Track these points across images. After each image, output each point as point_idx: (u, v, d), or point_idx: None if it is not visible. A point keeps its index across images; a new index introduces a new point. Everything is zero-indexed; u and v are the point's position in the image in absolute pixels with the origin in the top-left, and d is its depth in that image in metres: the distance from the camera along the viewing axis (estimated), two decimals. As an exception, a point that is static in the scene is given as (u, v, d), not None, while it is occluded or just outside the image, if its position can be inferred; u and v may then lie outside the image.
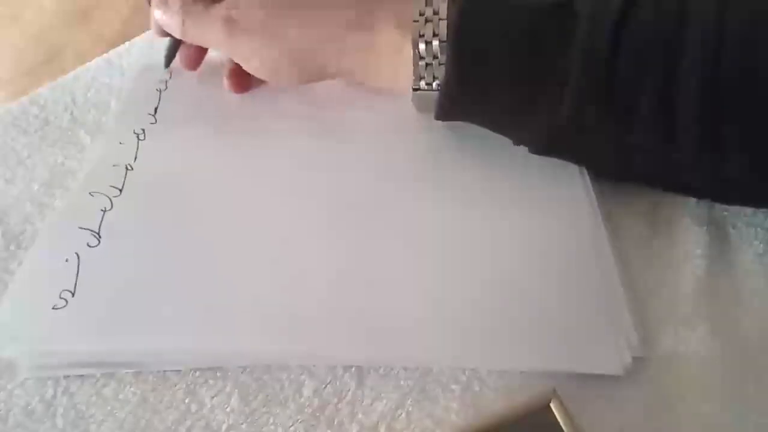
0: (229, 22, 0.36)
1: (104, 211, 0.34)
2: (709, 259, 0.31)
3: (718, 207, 0.34)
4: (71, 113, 0.41)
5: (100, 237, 0.33)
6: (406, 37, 0.33)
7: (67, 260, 0.31)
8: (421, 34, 0.32)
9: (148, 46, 0.45)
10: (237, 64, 0.39)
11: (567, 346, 0.28)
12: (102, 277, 0.31)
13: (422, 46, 0.32)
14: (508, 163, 0.36)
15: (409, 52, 0.33)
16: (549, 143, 0.33)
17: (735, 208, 0.34)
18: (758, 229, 0.33)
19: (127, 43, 0.46)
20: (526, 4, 0.30)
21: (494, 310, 0.30)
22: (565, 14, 0.30)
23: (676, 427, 0.27)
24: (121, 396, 0.28)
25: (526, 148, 0.34)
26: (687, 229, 0.33)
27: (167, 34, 0.40)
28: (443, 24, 0.32)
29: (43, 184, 0.37)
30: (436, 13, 0.32)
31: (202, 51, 0.42)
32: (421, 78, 0.33)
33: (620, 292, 0.30)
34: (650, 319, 0.29)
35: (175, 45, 0.42)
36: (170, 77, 0.43)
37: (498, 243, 0.32)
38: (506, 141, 0.36)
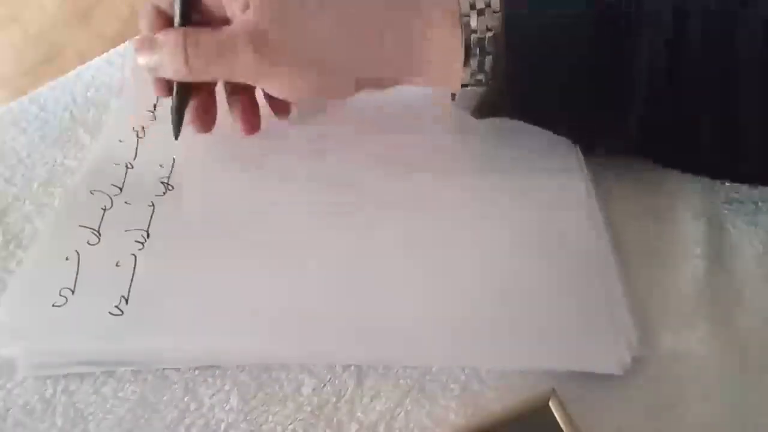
0: (257, 40, 0.29)
1: (104, 209, 0.34)
2: (709, 259, 0.31)
3: (719, 206, 0.34)
4: (71, 113, 0.41)
5: (100, 235, 0.33)
6: (456, 30, 0.30)
7: (67, 258, 0.31)
8: (474, 29, 0.30)
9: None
10: (247, 101, 0.36)
11: (566, 346, 0.28)
12: (102, 276, 0.31)
13: (473, 39, 0.30)
14: (508, 162, 0.36)
15: (459, 47, 0.30)
16: (608, 152, 0.33)
17: (736, 207, 0.34)
18: (758, 228, 0.33)
19: (127, 42, 0.46)
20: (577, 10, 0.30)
21: (493, 309, 0.30)
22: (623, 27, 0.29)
23: (675, 427, 0.27)
24: (120, 394, 0.28)
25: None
26: (687, 228, 0.33)
27: (166, 88, 0.34)
28: (497, 17, 0.30)
29: (42, 184, 0.37)
30: (488, 5, 0.30)
31: (213, 101, 0.36)
32: (472, 75, 0.31)
33: (620, 291, 0.30)
34: (649, 319, 0.29)
35: (182, 103, 0.34)
36: None
37: (497, 242, 0.32)
38: (506, 142, 0.36)
